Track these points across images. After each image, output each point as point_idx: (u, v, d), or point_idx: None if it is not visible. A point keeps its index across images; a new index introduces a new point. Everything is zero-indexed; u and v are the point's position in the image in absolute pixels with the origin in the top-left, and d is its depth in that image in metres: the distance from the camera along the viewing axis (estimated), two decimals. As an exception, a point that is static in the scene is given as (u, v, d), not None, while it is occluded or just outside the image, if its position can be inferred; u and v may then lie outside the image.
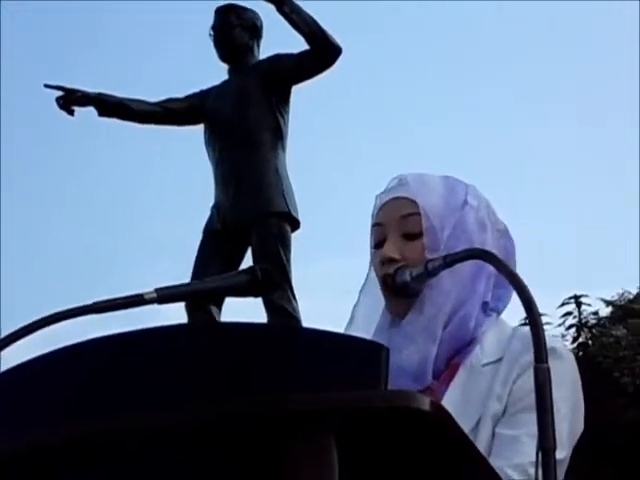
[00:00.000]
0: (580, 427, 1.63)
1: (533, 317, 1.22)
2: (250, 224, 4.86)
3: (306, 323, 4.30)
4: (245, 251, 4.96)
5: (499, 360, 1.64)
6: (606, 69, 16.38)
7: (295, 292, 4.83)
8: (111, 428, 0.96)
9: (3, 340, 1.34)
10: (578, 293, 10.26)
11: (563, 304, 10.21)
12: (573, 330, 10.13)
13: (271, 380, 0.97)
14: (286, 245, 4.86)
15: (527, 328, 1.50)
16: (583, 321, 10.17)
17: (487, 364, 1.65)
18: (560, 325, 10.19)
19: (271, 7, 4.78)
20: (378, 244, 1.73)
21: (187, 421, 0.94)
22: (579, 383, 1.66)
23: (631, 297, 11.05)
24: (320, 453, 0.92)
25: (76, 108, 4.93)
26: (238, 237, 4.91)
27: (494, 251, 1.57)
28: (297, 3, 4.74)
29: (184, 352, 1.01)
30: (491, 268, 1.62)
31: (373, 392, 0.95)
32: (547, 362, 1.19)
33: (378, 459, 1.00)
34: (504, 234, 1.75)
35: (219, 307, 4.80)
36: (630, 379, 8.94)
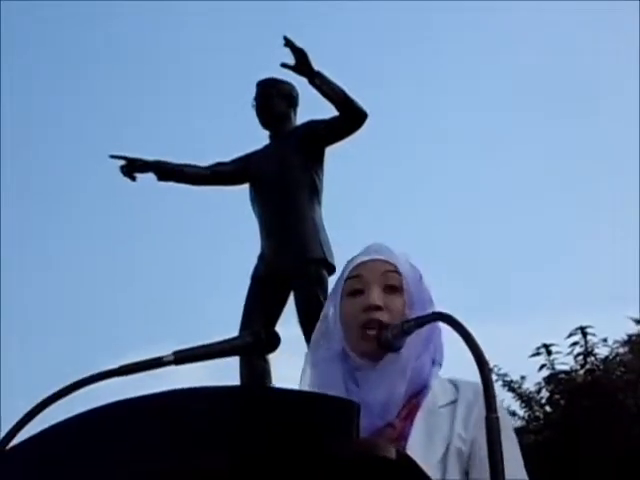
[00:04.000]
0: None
1: (484, 373, 1.31)
2: (291, 270, 5.01)
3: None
4: (288, 294, 5.10)
5: (453, 403, 1.75)
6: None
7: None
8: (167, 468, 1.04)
9: (44, 401, 1.36)
10: (584, 324, 10.35)
11: (570, 335, 10.32)
12: (581, 358, 10.19)
13: (271, 435, 1.03)
14: (324, 288, 4.97)
15: (465, 379, 1.74)
16: (589, 349, 10.23)
17: (442, 406, 1.75)
18: (568, 354, 10.30)
19: (304, 79, 4.89)
20: (355, 292, 1.79)
21: (224, 463, 1.02)
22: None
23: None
24: None
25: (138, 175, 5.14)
26: (281, 282, 5.06)
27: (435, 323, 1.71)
28: (326, 75, 4.89)
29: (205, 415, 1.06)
30: (438, 332, 1.78)
31: (349, 442, 1.00)
32: (497, 413, 1.28)
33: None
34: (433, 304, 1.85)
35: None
36: (633, 401, 9.00)
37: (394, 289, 1.77)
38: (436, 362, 1.81)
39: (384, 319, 1.73)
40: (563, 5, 13.72)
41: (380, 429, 1.69)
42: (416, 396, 1.76)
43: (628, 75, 14.34)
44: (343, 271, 1.84)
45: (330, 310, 1.84)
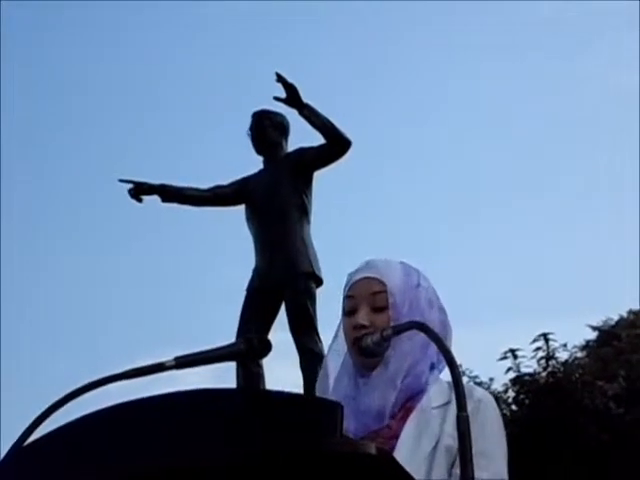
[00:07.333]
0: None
1: (455, 375, 1.33)
2: (283, 283, 5.18)
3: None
4: (280, 304, 5.26)
5: (446, 404, 1.79)
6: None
7: (320, 335, 5.11)
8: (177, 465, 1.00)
9: (59, 401, 1.35)
10: (546, 331, 10.58)
11: (534, 340, 10.54)
12: (543, 361, 10.38)
13: (257, 433, 1.01)
14: (312, 298, 5.17)
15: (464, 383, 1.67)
16: (551, 354, 10.43)
17: (436, 407, 1.80)
18: (532, 358, 10.52)
19: (295, 111, 5.10)
20: (349, 312, 1.87)
21: (222, 460, 1.00)
22: (501, 419, 1.85)
23: (613, 323, 11.43)
24: None
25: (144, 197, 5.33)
26: (274, 294, 5.21)
27: (436, 323, 1.79)
28: (314, 107, 5.10)
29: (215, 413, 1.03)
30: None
31: (331, 440, 1.00)
32: (466, 411, 1.31)
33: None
34: (442, 311, 1.89)
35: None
36: (590, 400, 9.20)
37: (381, 309, 1.84)
38: (435, 367, 1.86)
39: None
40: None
41: (376, 430, 1.77)
42: (412, 399, 1.82)
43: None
44: (344, 288, 1.92)
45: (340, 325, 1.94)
